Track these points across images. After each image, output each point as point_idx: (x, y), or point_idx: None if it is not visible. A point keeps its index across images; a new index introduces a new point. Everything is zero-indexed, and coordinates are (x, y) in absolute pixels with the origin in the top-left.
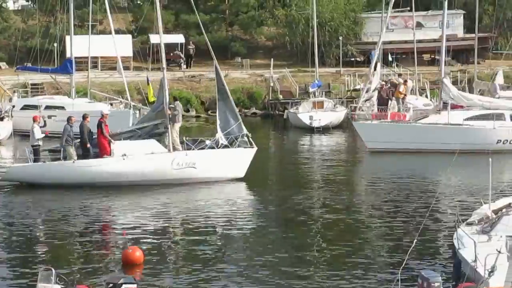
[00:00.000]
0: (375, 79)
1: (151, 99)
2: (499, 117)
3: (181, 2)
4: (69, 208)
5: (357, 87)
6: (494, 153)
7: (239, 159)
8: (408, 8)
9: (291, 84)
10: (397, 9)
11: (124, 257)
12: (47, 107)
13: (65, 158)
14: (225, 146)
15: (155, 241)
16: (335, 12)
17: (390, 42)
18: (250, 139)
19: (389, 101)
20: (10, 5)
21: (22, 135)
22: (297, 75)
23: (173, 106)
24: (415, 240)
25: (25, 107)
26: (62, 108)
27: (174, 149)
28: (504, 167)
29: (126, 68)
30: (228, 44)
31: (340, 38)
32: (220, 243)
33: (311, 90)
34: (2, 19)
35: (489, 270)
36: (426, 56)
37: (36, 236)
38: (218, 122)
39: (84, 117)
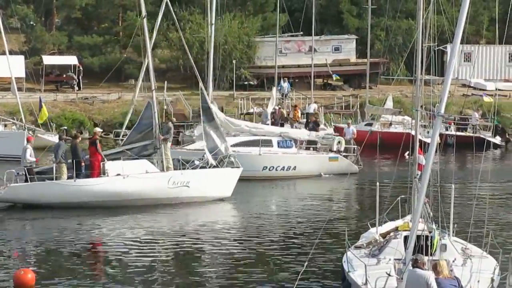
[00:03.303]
0: (271, 104)
1: (42, 119)
2: (267, 143)
3: (75, 23)
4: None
5: (251, 110)
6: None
7: (227, 179)
8: (301, 33)
9: (185, 107)
10: (290, 33)
11: (15, 279)
12: None
13: (56, 178)
14: (214, 166)
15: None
16: (229, 36)
17: (283, 67)
18: (236, 159)
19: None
20: None
21: None
22: (191, 98)
23: (165, 126)
24: (306, 264)
25: None
26: None
27: (167, 168)
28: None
29: (19, 89)
30: (122, 66)
31: (234, 61)
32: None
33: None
34: None
35: None
36: (319, 81)
37: None
38: (205, 143)
39: (76, 136)
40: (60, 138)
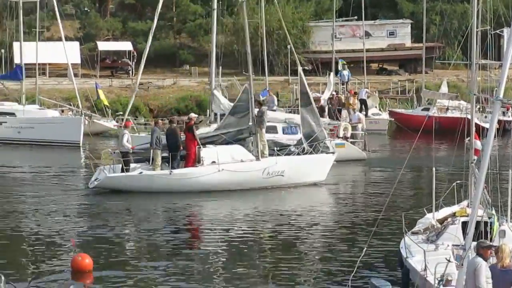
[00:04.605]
0: (327, 89)
1: (105, 102)
2: (272, 130)
3: (128, 9)
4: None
5: None
6: None
7: (321, 165)
8: (356, 17)
9: (239, 92)
10: (345, 18)
11: (73, 265)
12: None
13: (150, 161)
14: (310, 153)
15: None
16: (283, 20)
17: (339, 51)
18: (330, 144)
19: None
20: None
21: None
22: (245, 83)
23: (259, 111)
24: (365, 249)
25: None
26: (13, 114)
27: (262, 154)
28: None
29: (75, 75)
30: (176, 51)
31: (288, 46)
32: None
33: (261, 98)
34: None
35: (439, 278)
36: (374, 66)
37: None
38: (301, 128)
39: (172, 121)
40: (155, 123)
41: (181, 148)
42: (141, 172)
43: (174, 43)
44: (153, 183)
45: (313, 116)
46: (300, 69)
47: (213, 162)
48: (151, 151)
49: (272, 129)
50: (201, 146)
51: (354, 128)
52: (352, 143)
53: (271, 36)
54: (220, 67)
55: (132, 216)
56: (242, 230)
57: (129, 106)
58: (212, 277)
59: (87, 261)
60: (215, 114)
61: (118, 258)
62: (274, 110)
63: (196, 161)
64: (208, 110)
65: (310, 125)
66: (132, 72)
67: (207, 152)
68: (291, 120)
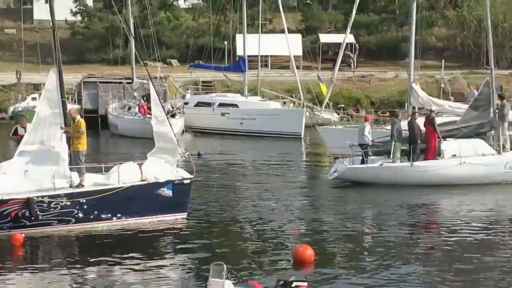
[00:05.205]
0: None
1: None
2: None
3: (351, 2)
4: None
5: None
6: None
7: None
8: None
9: (463, 86)
10: None
11: (295, 255)
12: (221, 105)
13: (388, 154)
14: None
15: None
16: (508, 13)
17: None
18: None
19: None
20: (181, 3)
21: (195, 131)
22: (469, 77)
23: (500, 105)
24: None
25: (199, 104)
26: (236, 106)
27: (503, 148)
28: None
29: (297, 67)
30: (398, 44)
31: None
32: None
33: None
34: (174, 17)
35: None
36: None
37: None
38: None
39: (414, 113)
40: (396, 116)
41: (419, 141)
42: (382, 164)
43: (396, 36)
44: (393, 175)
45: None
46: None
47: (454, 155)
48: (391, 143)
49: None
50: (441, 139)
51: None
52: None
53: (495, 29)
54: (443, 60)
55: (367, 210)
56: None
57: (326, 98)
58: None
59: (308, 252)
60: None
61: (340, 253)
62: None
63: (436, 154)
64: (406, 104)
65: None
66: (354, 64)
67: (448, 145)
68: None
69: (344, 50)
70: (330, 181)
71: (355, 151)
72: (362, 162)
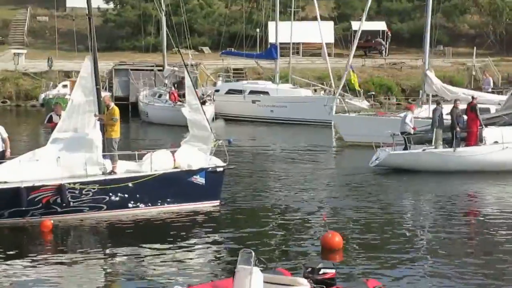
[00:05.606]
0: None
1: (356, 86)
2: (485, 111)
3: None
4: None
5: None
6: None
7: None
8: None
9: (494, 74)
10: None
11: (323, 242)
12: (252, 92)
13: (430, 141)
14: None
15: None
16: None
17: None
18: None
19: None
20: None
21: (226, 119)
22: (500, 65)
23: None
24: None
25: (230, 92)
26: (266, 93)
27: None
28: None
29: (328, 54)
30: (430, 32)
31: None
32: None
33: None
34: (206, 4)
35: None
36: None
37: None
38: None
39: (455, 101)
40: (437, 103)
41: (457, 129)
42: (424, 149)
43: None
44: (435, 161)
45: None
46: None
47: (495, 142)
48: (433, 130)
49: (484, 111)
50: (483, 126)
51: None
52: None
53: None
54: (475, 48)
55: (405, 199)
56: None
57: (341, 84)
58: None
59: (337, 239)
60: (427, 95)
61: (370, 241)
62: (489, 92)
63: (478, 140)
64: (420, 91)
65: None
66: (386, 51)
67: (490, 132)
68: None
69: (376, 37)
70: (370, 169)
71: (397, 140)
72: (405, 149)
